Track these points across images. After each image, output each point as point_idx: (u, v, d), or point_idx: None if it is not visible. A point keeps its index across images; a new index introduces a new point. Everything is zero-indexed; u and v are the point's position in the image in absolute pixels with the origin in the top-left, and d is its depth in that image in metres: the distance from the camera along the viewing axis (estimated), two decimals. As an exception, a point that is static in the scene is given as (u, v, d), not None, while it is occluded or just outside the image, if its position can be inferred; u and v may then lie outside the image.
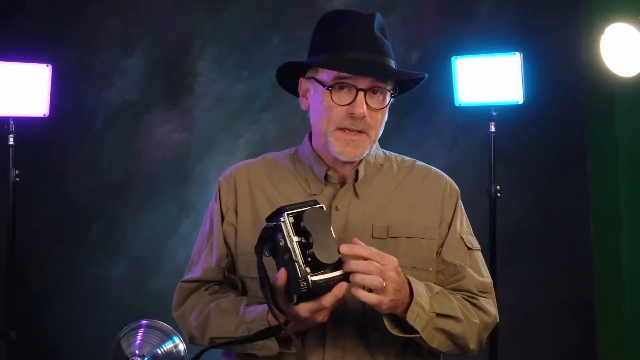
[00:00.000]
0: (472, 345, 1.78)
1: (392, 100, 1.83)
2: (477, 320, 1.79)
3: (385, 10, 4.06)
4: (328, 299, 1.58)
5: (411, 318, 1.66)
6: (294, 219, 1.57)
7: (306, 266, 1.55)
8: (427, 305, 1.68)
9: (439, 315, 1.71)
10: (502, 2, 4.05)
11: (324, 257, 1.55)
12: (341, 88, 1.78)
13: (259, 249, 1.61)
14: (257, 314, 1.72)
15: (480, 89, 3.51)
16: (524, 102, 3.44)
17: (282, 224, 1.56)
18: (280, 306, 1.61)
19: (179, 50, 4.11)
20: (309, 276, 1.55)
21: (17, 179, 3.48)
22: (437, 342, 1.72)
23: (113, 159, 4.08)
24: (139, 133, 4.10)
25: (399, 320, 1.70)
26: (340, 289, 1.57)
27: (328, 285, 1.57)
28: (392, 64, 1.82)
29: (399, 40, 4.06)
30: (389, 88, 1.81)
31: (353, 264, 1.58)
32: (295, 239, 1.56)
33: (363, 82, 1.77)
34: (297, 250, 1.56)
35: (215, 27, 4.10)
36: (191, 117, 4.11)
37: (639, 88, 3.58)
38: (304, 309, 1.59)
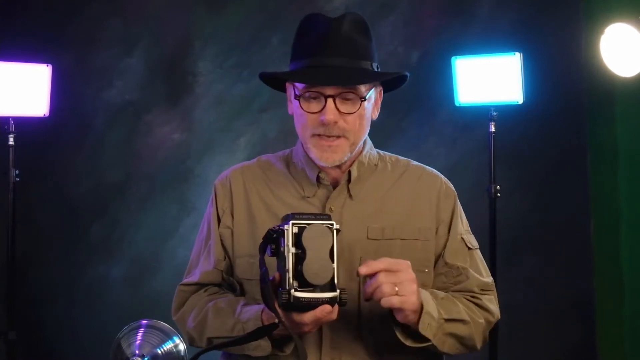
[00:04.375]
0: (479, 344, 1.82)
1: (367, 100, 1.80)
2: (482, 320, 1.81)
3: (385, 10, 4.06)
4: (308, 316, 1.60)
5: (423, 328, 1.69)
6: (298, 229, 1.57)
7: (295, 279, 1.56)
8: (435, 313, 1.71)
9: (447, 320, 1.73)
10: (502, 2, 4.05)
11: (310, 277, 1.55)
12: (311, 97, 1.78)
13: (261, 248, 1.63)
14: (252, 313, 1.74)
15: (480, 89, 3.50)
16: (524, 102, 3.44)
17: (285, 231, 1.57)
18: (272, 306, 1.62)
19: (179, 50, 4.11)
20: (292, 290, 1.55)
21: (17, 179, 3.48)
22: (447, 346, 1.76)
23: (113, 159, 4.08)
24: (139, 133, 4.10)
25: (410, 331, 1.72)
26: (322, 310, 1.58)
27: (310, 303, 1.57)
28: (368, 64, 1.80)
29: (399, 40, 4.06)
30: (361, 93, 1.78)
31: (367, 286, 1.65)
32: (293, 249, 1.56)
33: (331, 89, 1.76)
34: (291, 261, 1.56)
35: (215, 27, 4.10)
36: (191, 117, 4.11)
37: (639, 88, 3.58)
38: (287, 316, 1.61)
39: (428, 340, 1.71)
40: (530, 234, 4.01)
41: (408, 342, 1.72)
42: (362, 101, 1.78)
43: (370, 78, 1.82)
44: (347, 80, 1.77)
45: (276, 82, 1.92)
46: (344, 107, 1.77)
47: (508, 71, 3.43)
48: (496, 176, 3.55)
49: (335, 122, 1.76)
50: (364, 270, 1.64)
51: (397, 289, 1.63)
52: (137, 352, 2.40)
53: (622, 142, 3.87)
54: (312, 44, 1.79)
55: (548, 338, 3.96)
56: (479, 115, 3.59)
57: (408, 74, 1.88)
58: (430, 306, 1.70)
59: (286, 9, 3.99)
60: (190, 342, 1.90)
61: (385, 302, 1.63)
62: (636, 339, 3.80)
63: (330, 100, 1.76)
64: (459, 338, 1.77)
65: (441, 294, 1.78)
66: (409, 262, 1.67)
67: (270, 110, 4.03)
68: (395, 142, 3.87)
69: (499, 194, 3.55)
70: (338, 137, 1.79)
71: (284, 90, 1.91)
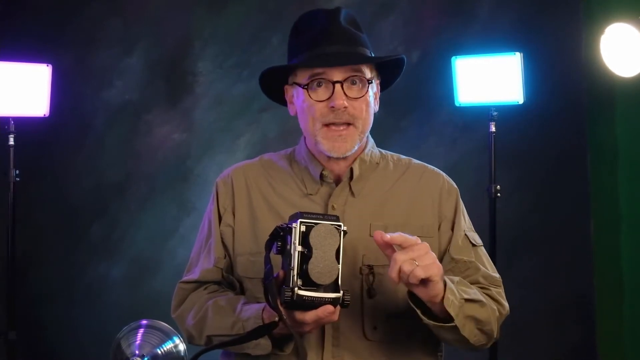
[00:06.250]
0: (496, 331, 1.79)
1: (371, 85, 1.83)
2: (494, 307, 1.80)
3: (385, 10, 4.06)
4: (310, 315, 1.60)
5: (447, 304, 1.66)
6: (306, 228, 1.58)
7: (299, 278, 1.57)
8: (456, 293, 1.69)
9: (466, 300, 1.71)
10: (502, 2, 4.05)
11: (315, 276, 1.56)
12: (318, 85, 1.80)
13: (268, 245, 1.64)
14: (253, 312, 1.74)
15: (480, 89, 3.51)
16: (524, 102, 3.44)
17: (293, 229, 1.58)
18: (274, 303, 1.62)
19: (179, 50, 4.11)
20: (296, 288, 1.56)
21: (17, 179, 3.48)
22: (467, 330, 1.72)
23: (113, 159, 4.08)
24: (139, 133, 4.10)
25: (429, 314, 1.70)
26: (324, 310, 1.59)
27: (314, 302, 1.58)
28: (367, 52, 1.84)
29: (399, 40, 4.06)
30: (367, 77, 1.82)
31: (390, 272, 1.61)
32: (299, 248, 1.57)
33: (337, 74, 1.78)
34: (297, 259, 1.57)
35: (215, 27, 4.10)
36: (191, 117, 4.11)
37: (639, 88, 3.58)
38: (289, 315, 1.62)
39: (450, 320, 1.67)
40: (530, 234, 4.01)
41: (430, 323, 1.69)
42: (368, 84, 1.81)
43: (374, 58, 1.85)
44: (352, 61, 1.79)
45: (273, 89, 1.93)
46: (351, 92, 1.79)
47: (508, 71, 3.43)
48: (496, 176, 3.55)
49: (345, 108, 1.78)
50: (379, 237, 1.61)
51: (416, 263, 1.60)
52: (137, 352, 2.40)
53: (622, 142, 3.87)
54: (313, 36, 1.81)
55: (548, 338, 3.96)
56: (479, 115, 3.59)
57: (404, 57, 1.90)
58: (451, 285, 1.69)
59: (286, 9, 3.99)
60: (189, 339, 1.90)
61: (412, 278, 1.60)
62: (636, 339, 3.80)
63: (338, 86, 1.78)
64: (477, 321, 1.73)
65: (455, 278, 1.76)
66: (419, 239, 1.65)
67: (270, 110, 4.03)
68: (395, 141, 3.87)
69: (499, 194, 3.55)
70: (347, 125, 1.80)
71: (280, 97, 1.94)
